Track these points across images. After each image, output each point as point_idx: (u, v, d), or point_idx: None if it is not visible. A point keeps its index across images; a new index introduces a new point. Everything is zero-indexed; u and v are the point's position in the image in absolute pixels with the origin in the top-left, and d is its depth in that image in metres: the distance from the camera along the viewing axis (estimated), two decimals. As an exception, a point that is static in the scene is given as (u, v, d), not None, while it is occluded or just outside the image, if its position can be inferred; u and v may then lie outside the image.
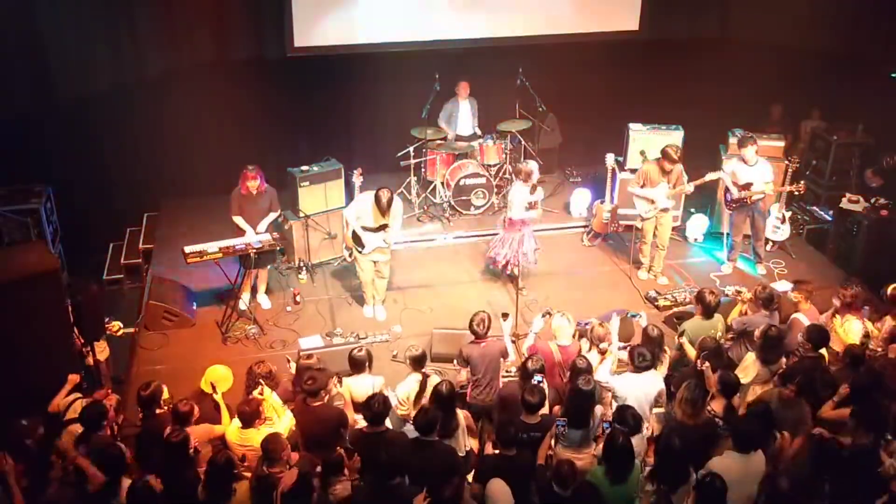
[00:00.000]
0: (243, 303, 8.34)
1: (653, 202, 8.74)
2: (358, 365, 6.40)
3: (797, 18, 10.66)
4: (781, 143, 9.86)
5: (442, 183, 10.51)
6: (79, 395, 6.35)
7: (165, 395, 6.17)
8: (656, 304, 8.70)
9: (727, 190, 8.98)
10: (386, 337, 8.17)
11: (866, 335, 7.05)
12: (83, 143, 9.56)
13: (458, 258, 9.70)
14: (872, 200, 9.37)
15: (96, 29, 9.29)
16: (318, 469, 5.34)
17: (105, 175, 9.89)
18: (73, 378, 6.45)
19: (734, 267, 9.39)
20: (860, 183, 10.13)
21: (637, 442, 5.54)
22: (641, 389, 6.14)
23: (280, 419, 6.09)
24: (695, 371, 6.43)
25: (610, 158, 9.69)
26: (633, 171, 9.73)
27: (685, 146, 9.22)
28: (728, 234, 9.37)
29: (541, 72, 10.56)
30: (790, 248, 9.75)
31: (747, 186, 8.78)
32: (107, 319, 7.83)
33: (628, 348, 6.59)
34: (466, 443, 6.13)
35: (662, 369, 6.63)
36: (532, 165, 8.52)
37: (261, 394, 6.04)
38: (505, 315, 7.14)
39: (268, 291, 8.79)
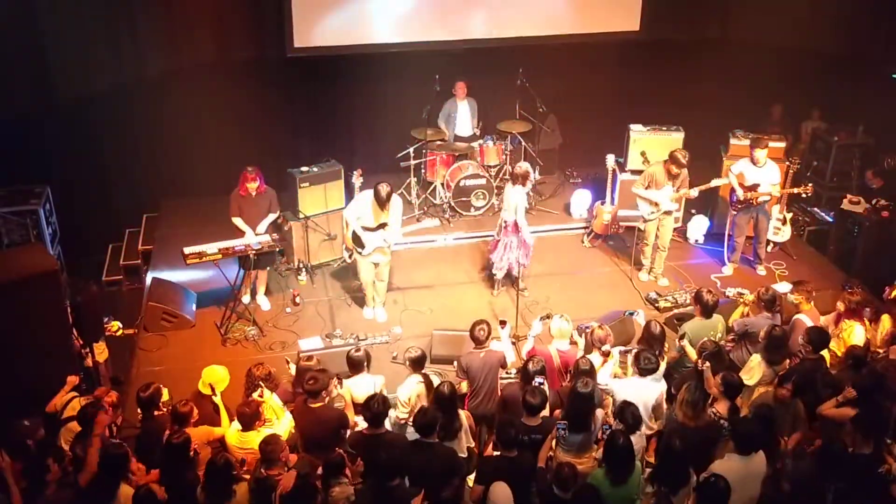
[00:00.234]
0: (242, 302, 8.32)
1: (656, 204, 8.72)
2: (356, 365, 6.39)
3: (797, 19, 10.66)
4: (782, 144, 9.85)
5: (442, 184, 10.50)
6: (76, 393, 6.33)
7: (165, 396, 6.16)
8: (657, 305, 8.69)
9: (732, 191, 8.95)
10: (386, 338, 8.16)
11: (868, 341, 7.04)
12: (83, 144, 9.55)
13: (458, 259, 9.68)
14: (873, 202, 9.35)
15: (96, 29, 9.28)
16: (319, 471, 5.32)
17: (104, 176, 9.88)
18: (73, 380, 6.45)
19: (735, 268, 9.37)
20: (861, 184, 10.12)
21: (635, 440, 5.52)
22: (641, 394, 6.12)
23: (279, 421, 6.08)
24: (695, 373, 6.41)
25: (610, 159, 9.68)
26: (634, 172, 9.75)
27: (686, 147, 9.19)
28: (731, 235, 9.33)
29: (541, 72, 10.55)
30: (791, 250, 9.74)
31: (754, 188, 8.76)
32: (106, 320, 7.82)
33: (631, 351, 6.59)
34: (470, 442, 6.11)
35: (660, 368, 6.61)
36: (528, 166, 8.50)
37: (260, 396, 6.03)
38: (503, 322, 7.13)
39: (267, 293, 8.78)
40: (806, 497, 5.32)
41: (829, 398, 6.12)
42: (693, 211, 10.13)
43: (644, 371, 6.15)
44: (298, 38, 10.22)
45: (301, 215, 8.97)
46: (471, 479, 5.74)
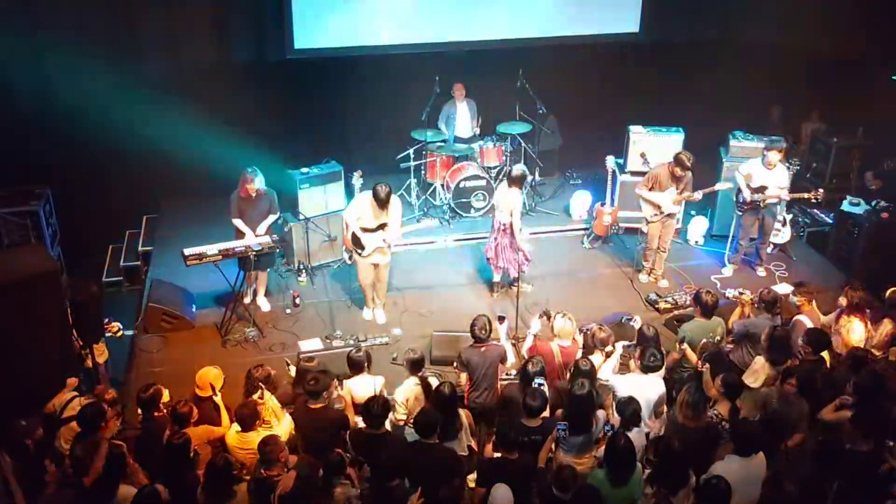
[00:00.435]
0: (244, 305, 8.33)
1: (659, 206, 8.71)
2: (356, 366, 6.40)
3: (797, 21, 10.66)
4: (782, 146, 9.85)
5: (442, 185, 10.51)
6: (76, 393, 6.33)
7: (166, 397, 6.16)
8: (657, 306, 8.69)
9: (739, 191, 8.93)
10: (386, 340, 8.16)
11: (867, 339, 7.04)
12: (83, 146, 9.55)
13: (458, 261, 9.68)
14: (873, 203, 9.36)
15: (96, 31, 9.29)
16: (320, 472, 5.32)
17: (104, 177, 9.89)
18: (72, 381, 6.45)
19: (735, 269, 9.36)
20: (860, 185, 10.13)
21: (635, 438, 5.52)
22: (643, 391, 6.12)
23: (279, 423, 6.08)
24: (696, 374, 6.42)
25: (610, 160, 9.68)
26: (634, 173, 9.75)
27: (685, 148, 9.19)
28: (735, 236, 9.30)
29: (541, 74, 10.55)
30: (791, 251, 9.74)
31: (761, 189, 8.74)
32: (106, 321, 7.82)
33: (635, 347, 6.60)
34: (470, 441, 6.12)
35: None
36: (525, 169, 8.49)
37: (260, 397, 6.03)
38: (501, 318, 7.13)
39: (267, 294, 8.78)
40: (808, 498, 5.31)
41: (829, 398, 6.13)
42: (693, 212, 10.13)
43: (648, 368, 6.16)
44: (299, 39, 10.24)
45: (301, 217, 8.97)
46: (471, 478, 5.75)
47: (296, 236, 9.11)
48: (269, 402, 6.09)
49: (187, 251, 7.89)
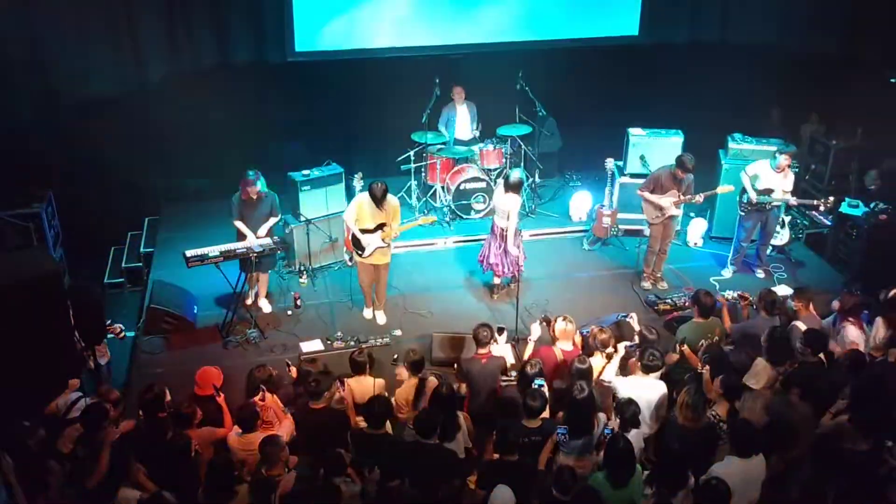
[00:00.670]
0: (245, 306, 8.35)
1: (661, 208, 8.73)
2: (358, 367, 6.43)
3: (796, 23, 10.70)
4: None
5: (442, 187, 10.54)
6: (81, 394, 6.36)
7: (167, 398, 6.18)
8: (656, 308, 8.71)
9: (743, 192, 8.94)
10: (387, 341, 8.18)
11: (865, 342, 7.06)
12: (85, 148, 9.57)
13: (458, 262, 9.71)
14: (872, 205, 9.38)
15: (98, 33, 9.32)
16: (321, 472, 5.35)
17: (106, 179, 9.90)
18: (74, 383, 6.47)
19: (734, 271, 9.38)
20: (859, 187, 10.15)
21: (634, 440, 5.55)
22: (645, 393, 6.16)
23: (281, 423, 6.10)
24: (695, 376, 6.44)
25: (610, 163, 9.71)
26: (633, 175, 9.77)
27: (685, 150, 9.22)
28: (738, 237, 9.29)
29: (541, 76, 10.59)
30: (789, 253, 9.76)
31: (766, 192, 8.75)
32: (108, 322, 7.85)
33: (637, 345, 6.63)
34: (468, 443, 6.14)
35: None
36: (522, 175, 8.50)
37: (262, 398, 6.05)
38: (500, 329, 7.15)
39: (268, 295, 8.80)
40: (808, 499, 5.33)
41: (829, 401, 6.14)
42: (692, 214, 10.15)
43: (648, 368, 6.18)
44: (300, 42, 10.28)
45: (302, 218, 9.00)
46: (470, 480, 5.77)
47: (297, 238, 9.14)
48: (270, 402, 6.12)
49: (189, 253, 7.91)
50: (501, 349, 6.85)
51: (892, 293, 7.36)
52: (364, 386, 6.41)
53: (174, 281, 8.85)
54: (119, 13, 9.42)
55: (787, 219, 9.54)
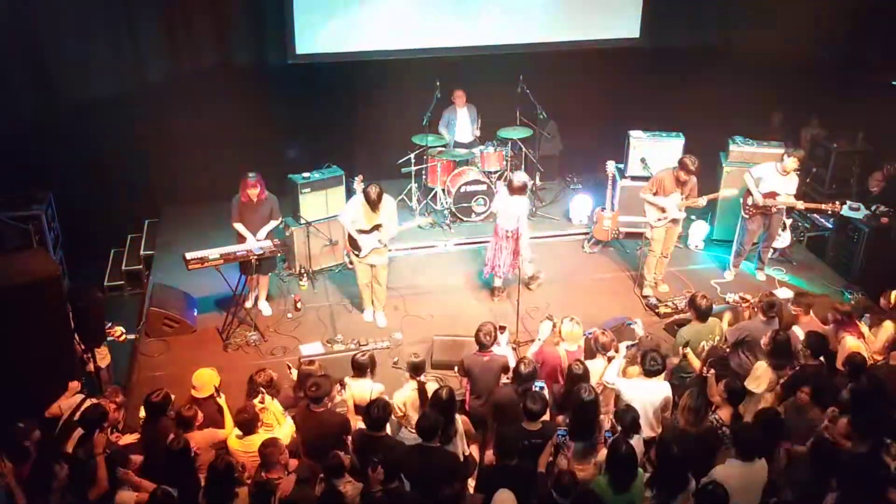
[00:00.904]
0: (245, 309, 8.34)
1: (663, 211, 8.69)
2: (360, 368, 6.42)
3: (796, 26, 10.68)
4: (781, 151, 9.87)
5: (443, 190, 10.53)
6: (83, 396, 6.34)
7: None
8: (657, 311, 8.70)
9: (748, 194, 8.91)
10: (387, 344, 8.17)
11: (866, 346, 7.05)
12: (85, 150, 9.58)
13: (459, 265, 9.70)
14: (873, 208, 9.37)
15: (98, 35, 9.31)
16: (321, 476, 5.34)
17: (106, 181, 9.89)
18: (74, 385, 6.45)
19: (735, 274, 9.37)
20: (860, 190, 10.14)
21: (635, 441, 5.53)
22: (648, 395, 6.15)
23: (281, 426, 6.09)
24: (698, 379, 6.42)
25: (610, 165, 9.70)
26: (634, 178, 9.77)
27: (686, 153, 9.21)
28: (740, 240, 9.27)
29: (541, 79, 10.58)
30: (791, 255, 9.76)
31: (771, 195, 8.74)
32: (109, 325, 7.84)
33: (638, 347, 6.62)
34: (465, 448, 6.13)
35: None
36: (526, 177, 8.49)
37: (262, 402, 6.04)
38: (502, 328, 7.14)
39: (268, 298, 8.79)
40: (807, 501, 5.32)
41: (829, 404, 6.13)
42: (693, 217, 10.14)
43: (649, 372, 6.17)
44: (300, 44, 10.27)
45: (302, 221, 8.99)
46: (470, 483, 5.76)
47: (297, 240, 9.13)
48: (270, 406, 6.10)
49: (189, 255, 7.90)
50: (503, 350, 6.84)
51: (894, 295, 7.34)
52: (365, 388, 6.40)
53: (174, 283, 8.85)
54: (119, 14, 9.41)
55: (789, 221, 9.53)
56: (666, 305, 8.74)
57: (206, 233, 9.16)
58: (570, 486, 5.07)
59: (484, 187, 10.25)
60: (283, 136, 10.85)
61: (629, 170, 9.94)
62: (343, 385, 6.45)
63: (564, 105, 11.07)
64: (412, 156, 10.30)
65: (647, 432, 6.09)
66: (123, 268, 9.72)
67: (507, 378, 6.86)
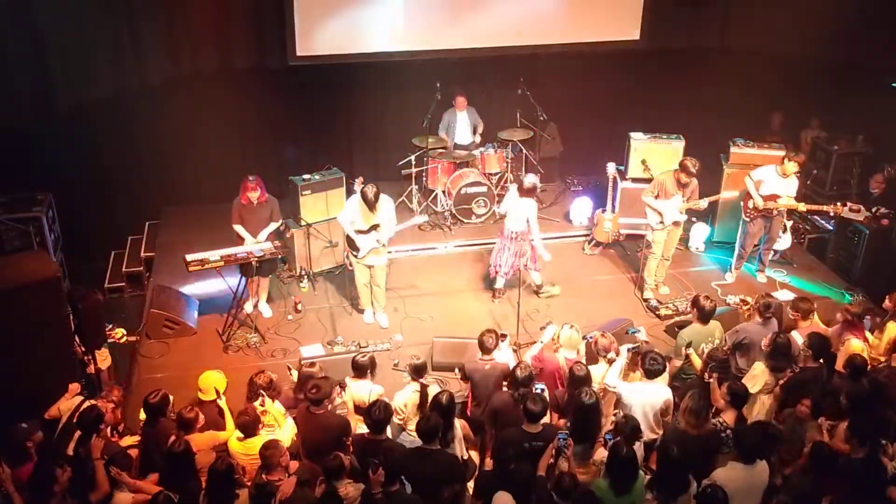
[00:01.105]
0: (246, 309, 8.34)
1: (665, 214, 8.63)
2: (360, 369, 6.42)
3: (797, 28, 10.69)
4: (781, 153, 9.85)
5: (443, 191, 10.53)
6: (81, 398, 6.33)
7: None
8: (658, 313, 8.70)
9: (748, 197, 8.89)
10: (387, 346, 8.17)
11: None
12: (85, 152, 9.58)
13: (459, 267, 9.69)
14: (873, 210, 9.36)
15: (98, 37, 9.31)
16: (321, 478, 5.33)
17: (107, 183, 9.90)
18: (74, 387, 6.46)
19: (737, 276, 9.36)
20: (861, 192, 10.14)
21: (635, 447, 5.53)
22: (649, 398, 6.14)
23: (281, 429, 6.09)
24: (700, 381, 6.41)
25: (611, 167, 9.70)
26: (635, 180, 9.76)
27: (686, 155, 9.21)
28: (741, 242, 9.24)
29: (542, 81, 10.59)
30: (791, 257, 9.75)
31: (772, 197, 8.73)
32: (109, 326, 7.84)
33: (639, 348, 6.62)
34: (463, 452, 6.13)
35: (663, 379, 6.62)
36: (536, 179, 8.48)
37: (262, 404, 6.04)
38: (503, 336, 7.14)
39: (269, 300, 8.79)
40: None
41: (829, 406, 6.12)
42: (694, 219, 10.12)
43: (650, 373, 6.16)
44: (300, 46, 10.26)
45: (303, 223, 8.99)
46: (469, 486, 5.76)
47: (297, 242, 9.13)
48: (270, 408, 6.10)
49: (189, 257, 7.90)
50: (504, 355, 6.83)
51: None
52: (364, 390, 6.40)
53: (175, 285, 8.84)
54: (119, 15, 9.41)
55: (790, 224, 9.52)
56: (667, 307, 8.73)
57: (207, 234, 9.15)
58: (571, 489, 5.06)
59: (484, 189, 10.25)
60: (284, 138, 10.85)
61: (630, 172, 9.92)
62: (343, 387, 6.45)
63: (565, 107, 11.08)
64: (412, 157, 10.30)
65: (647, 435, 6.09)
66: (124, 270, 9.71)
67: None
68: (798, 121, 11.39)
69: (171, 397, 6.13)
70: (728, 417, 5.94)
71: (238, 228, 8.26)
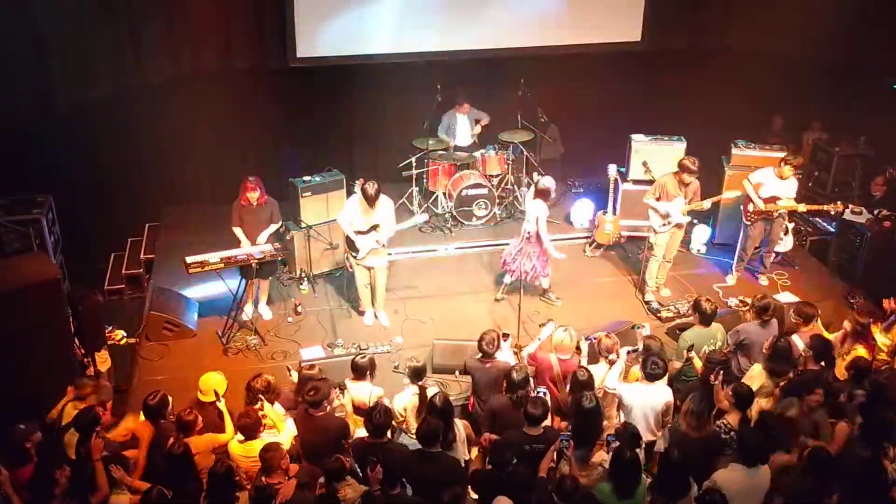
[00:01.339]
0: (245, 314, 8.32)
1: (667, 216, 8.62)
2: (359, 371, 6.40)
3: (798, 29, 10.68)
4: (783, 155, 9.84)
5: (444, 193, 10.52)
6: (70, 398, 6.30)
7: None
8: (659, 315, 8.68)
9: (748, 200, 8.88)
10: (387, 348, 8.15)
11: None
12: (85, 153, 9.56)
13: (459, 269, 9.68)
14: (875, 212, 9.35)
15: (98, 37, 9.30)
16: (321, 480, 5.31)
17: (106, 185, 9.88)
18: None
19: (738, 278, 9.34)
20: (863, 194, 10.12)
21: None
22: (649, 400, 6.12)
23: (281, 431, 6.07)
24: (701, 383, 6.39)
25: (612, 169, 9.68)
26: (636, 181, 9.74)
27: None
28: (742, 245, 9.21)
29: (543, 82, 10.57)
30: (793, 260, 9.73)
31: (772, 200, 8.71)
32: (109, 328, 7.82)
33: (638, 350, 6.59)
34: (466, 453, 6.10)
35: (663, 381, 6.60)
36: (551, 182, 8.42)
37: (260, 408, 6.02)
38: (505, 335, 7.13)
39: (269, 302, 8.77)
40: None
41: (829, 408, 6.10)
42: (695, 221, 10.10)
43: (651, 376, 6.14)
44: (301, 47, 10.25)
45: (303, 225, 8.98)
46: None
47: (297, 244, 9.12)
48: (269, 412, 6.08)
49: (189, 259, 7.88)
50: (505, 355, 6.82)
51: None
52: (364, 391, 6.38)
53: (174, 287, 8.83)
54: (120, 16, 9.40)
55: (791, 226, 9.51)
56: (668, 310, 8.71)
57: (207, 237, 9.13)
58: (572, 491, 5.04)
59: (485, 191, 10.24)
60: (284, 140, 10.84)
61: (631, 173, 9.91)
62: (342, 389, 6.43)
63: (566, 108, 11.07)
64: (413, 159, 10.29)
65: (647, 437, 6.07)
66: (123, 271, 9.70)
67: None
68: (799, 122, 11.38)
69: (170, 399, 6.12)
70: (732, 419, 5.92)
71: (237, 231, 8.24)
